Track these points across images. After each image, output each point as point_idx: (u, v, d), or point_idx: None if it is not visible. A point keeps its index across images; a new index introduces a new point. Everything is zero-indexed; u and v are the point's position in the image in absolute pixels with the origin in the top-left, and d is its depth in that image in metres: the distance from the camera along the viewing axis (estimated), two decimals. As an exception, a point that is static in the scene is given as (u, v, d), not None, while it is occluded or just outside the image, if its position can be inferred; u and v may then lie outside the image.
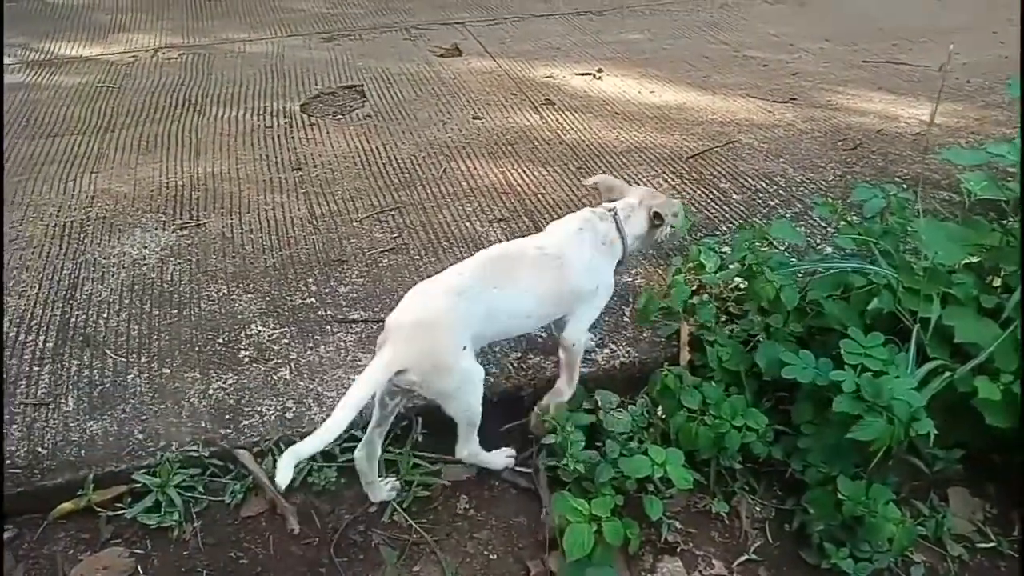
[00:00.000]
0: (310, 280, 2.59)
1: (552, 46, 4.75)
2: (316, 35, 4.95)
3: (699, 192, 3.15)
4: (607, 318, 2.43)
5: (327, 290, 2.53)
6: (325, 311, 2.42)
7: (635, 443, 1.99)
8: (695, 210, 3.00)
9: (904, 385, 1.77)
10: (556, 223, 2.11)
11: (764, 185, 3.19)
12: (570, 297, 2.00)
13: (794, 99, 4.01)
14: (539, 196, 3.09)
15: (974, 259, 2.25)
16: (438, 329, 1.74)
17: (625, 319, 2.44)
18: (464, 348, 1.76)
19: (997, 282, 2.18)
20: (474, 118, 3.81)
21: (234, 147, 3.54)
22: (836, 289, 2.13)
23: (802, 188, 3.18)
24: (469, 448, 1.89)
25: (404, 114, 3.85)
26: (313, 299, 2.48)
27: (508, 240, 2.70)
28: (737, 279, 2.43)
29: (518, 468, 2.01)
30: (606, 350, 2.31)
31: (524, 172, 3.29)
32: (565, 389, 2.06)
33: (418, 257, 2.71)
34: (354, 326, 2.35)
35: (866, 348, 1.88)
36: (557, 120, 3.80)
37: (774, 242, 2.55)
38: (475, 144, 3.54)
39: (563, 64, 4.48)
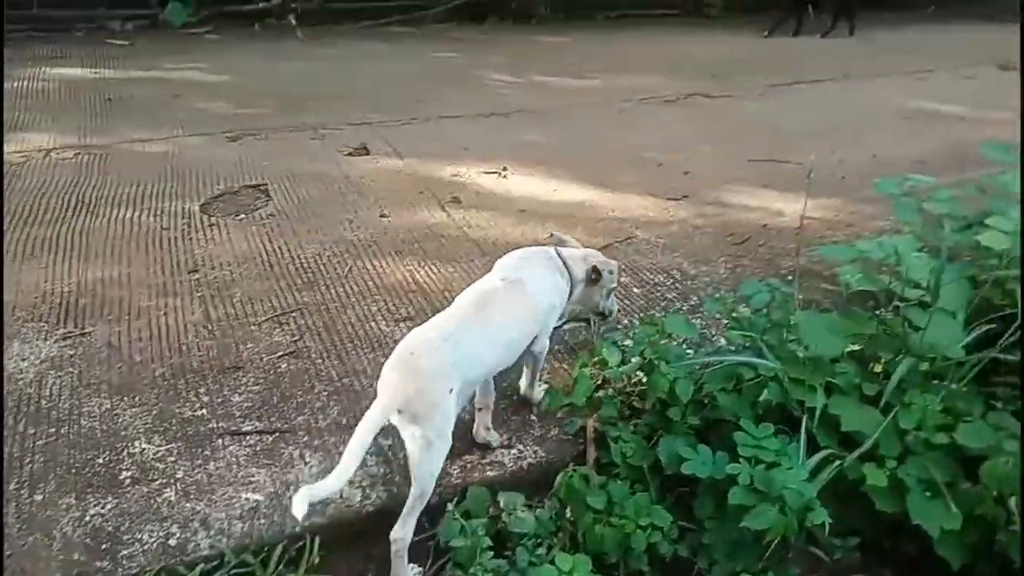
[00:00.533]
0: (202, 390, 2.47)
1: (459, 146, 4.89)
2: (221, 134, 4.93)
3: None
4: (515, 417, 2.42)
5: (220, 400, 2.42)
6: (217, 423, 2.29)
7: (544, 549, 1.95)
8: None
9: (796, 476, 1.83)
10: (503, 259, 2.36)
11: (662, 279, 3.32)
12: (540, 316, 2.24)
13: (687, 196, 4.25)
14: (446, 293, 3.10)
15: (856, 347, 2.39)
16: (428, 372, 1.90)
17: (532, 418, 2.43)
18: (451, 391, 1.91)
19: (879, 368, 2.32)
20: (381, 216, 3.83)
21: (127, 250, 3.41)
22: (729, 381, 2.20)
23: (696, 281, 3.32)
24: (406, 529, 1.87)
25: (309, 213, 3.84)
26: (204, 410, 2.36)
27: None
28: (640, 373, 2.48)
29: (424, 585, 1.93)
30: (513, 451, 2.28)
31: (431, 270, 3.31)
32: (533, 391, 2.43)
33: (319, 360, 2.64)
34: (247, 438, 2.23)
35: (758, 440, 1.94)
36: (464, 217, 3.87)
37: (673, 335, 2.63)
38: (381, 242, 3.55)
39: (470, 163, 4.61)
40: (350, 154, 4.67)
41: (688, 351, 2.78)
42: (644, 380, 2.45)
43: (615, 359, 2.44)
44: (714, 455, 1.99)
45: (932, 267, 2.16)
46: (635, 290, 3.24)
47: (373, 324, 2.87)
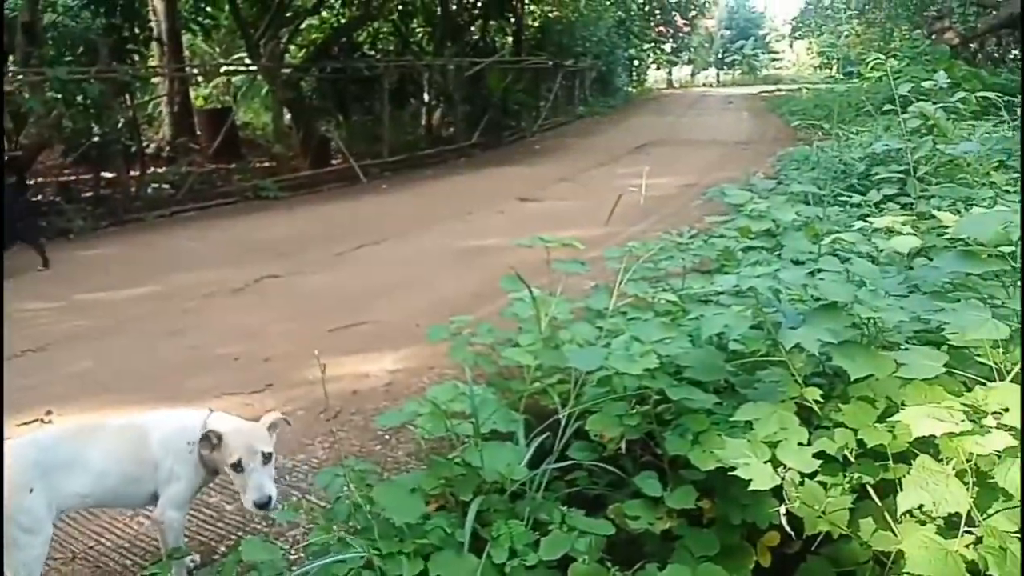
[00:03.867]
0: None
1: (-21, 402, 3.99)
2: None
3: (190, 515, 2.82)
4: None
5: None
6: None
7: None
8: (188, 538, 2.67)
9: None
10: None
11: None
12: (148, 469, 2.27)
13: (271, 385, 4.08)
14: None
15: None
16: (9, 470, 2.03)
17: None
18: (31, 491, 2.07)
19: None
20: None
21: None
22: (329, 585, 2.03)
23: (294, 474, 3.15)
24: None
25: None
26: None
27: None
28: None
29: None
30: None
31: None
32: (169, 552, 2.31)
33: None
34: None
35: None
36: (-7, 491, 3.10)
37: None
38: None
39: None
40: None
41: (303, 555, 2.55)
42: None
43: (202, 608, 2.09)
44: None
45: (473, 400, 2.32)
46: (227, 507, 2.92)
47: None
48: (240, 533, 2.74)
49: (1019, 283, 2.06)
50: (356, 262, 6.93)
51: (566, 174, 12.12)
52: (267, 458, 2.26)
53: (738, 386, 2.32)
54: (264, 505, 2.22)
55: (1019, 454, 1.68)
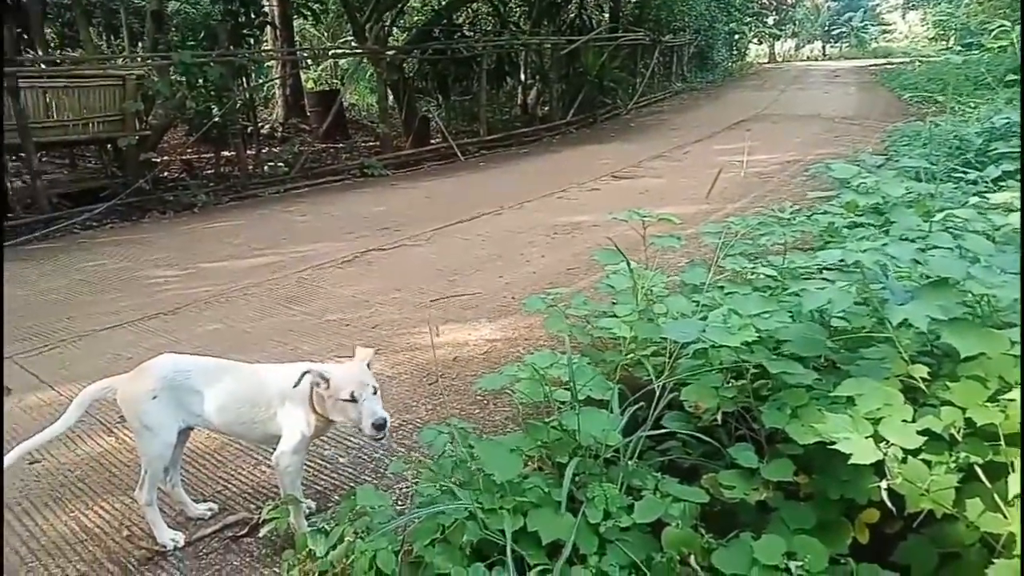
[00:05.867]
0: None
1: (123, 357, 4.43)
2: None
3: (306, 465, 3.07)
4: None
5: None
6: None
7: None
8: (305, 487, 2.91)
9: (508, 610, 1.83)
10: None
11: (366, 441, 3.26)
12: (264, 413, 2.49)
13: (378, 350, 4.30)
14: (123, 529, 2.70)
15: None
16: (142, 375, 2.48)
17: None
18: (154, 397, 2.43)
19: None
20: (31, 463, 3.26)
21: None
22: (436, 532, 2.18)
23: (400, 431, 3.33)
24: (144, 496, 2.52)
25: (-72, 488, 3.11)
26: None
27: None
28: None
29: None
30: None
31: (100, 510, 2.86)
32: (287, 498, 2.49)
33: None
34: None
35: (470, 585, 1.92)
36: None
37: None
38: (34, 494, 3.00)
39: (138, 374, 4.18)
40: (-18, 400, 3.95)
41: (409, 506, 2.73)
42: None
43: (322, 548, 2.28)
44: (436, 617, 1.93)
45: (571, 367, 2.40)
46: (341, 460, 3.15)
47: (27, 602, 2.36)
48: (353, 483, 2.96)
49: None
50: (455, 236, 7.13)
51: (662, 151, 11.92)
52: (375, 390, 2.40)
53: (840, 362, 2.30)
54: (381, 426, 2.33)
55: None
